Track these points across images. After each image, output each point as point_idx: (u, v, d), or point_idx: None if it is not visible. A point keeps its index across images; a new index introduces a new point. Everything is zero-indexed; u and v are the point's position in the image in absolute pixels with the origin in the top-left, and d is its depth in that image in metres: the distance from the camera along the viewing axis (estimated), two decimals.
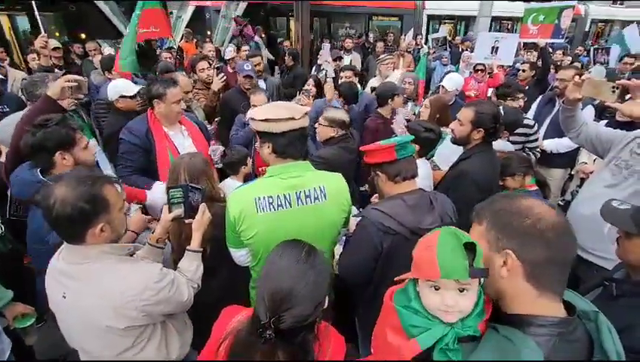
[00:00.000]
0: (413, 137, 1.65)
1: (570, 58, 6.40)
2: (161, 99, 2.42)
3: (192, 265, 1.50)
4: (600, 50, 6.12)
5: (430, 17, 13.49)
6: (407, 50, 6.86)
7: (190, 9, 10.72)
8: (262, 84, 3.72)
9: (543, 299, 0.87)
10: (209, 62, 3.51)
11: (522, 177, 2.29)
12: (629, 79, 2.09)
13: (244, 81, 3.45)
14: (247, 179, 2.59)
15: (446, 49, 7.54)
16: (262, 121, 1.42)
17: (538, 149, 3.27)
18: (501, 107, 2.23)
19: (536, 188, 2.30)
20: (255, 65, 3.54)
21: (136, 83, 3.26)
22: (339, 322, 1.66)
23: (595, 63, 6.07)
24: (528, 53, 5.99)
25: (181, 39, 8.44)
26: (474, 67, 5.24)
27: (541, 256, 0.85)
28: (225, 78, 3.36)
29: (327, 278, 1.01)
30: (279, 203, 1.46)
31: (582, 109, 3.20)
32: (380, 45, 7.18)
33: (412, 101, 3.63)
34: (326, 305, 1.02)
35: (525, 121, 3.15)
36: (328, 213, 1.56)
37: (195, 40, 7.47)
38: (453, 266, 0.87)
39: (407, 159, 1.56)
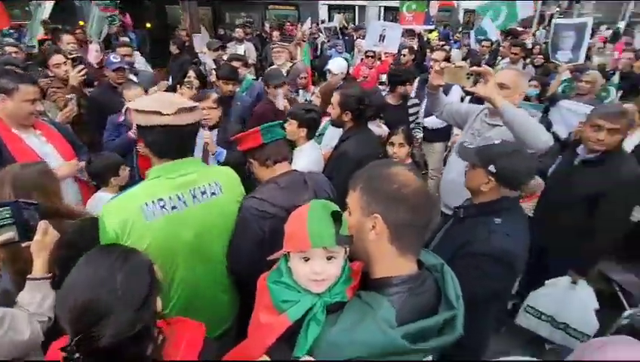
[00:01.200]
0: (281, 122, 1.64)
1: (442, 43, 7.26)
2: (9, 94, 2.05)
3: (35, 297, 1.26)
4: (465, 35, 7.08)
5: (330, 7, 13.89)
6: (304, 39, 6.92)
7: None
8: (133, 78, 3.34)
9: (401, 259, 0.93)
10: (65, 56, 2.99)
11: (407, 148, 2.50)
12: (479, 63, 2.40)
13: (114, 76, 3.05)
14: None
15: (339, 38, 7.84)
16: (136, 111, 1.26)
17: (421, 126, 3.70)
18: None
19: (410, 161, 2.53)
20: (124, 57, 3.15)
21: None
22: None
23: (462, 46, 7.02)
24: (410, 39, 6.55)
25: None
26: (365, 54, 5.57)
27: (404, 219, 0.90)
28: (84, 70, 2.90)
29: (143, 278, 0.89)
30: (173, 204, 1.31)
31: (451, 89, 3.70)
32: (275, 34, 7.12)
33: (302, 89, 3.67)
34: (159, 307, 0.93)
35: (414, 101, 3.59)
36: (227, 205, 1.49)
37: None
38: (321, 235, 0.91)
39: (276, 142, 1.56)
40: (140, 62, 4.91)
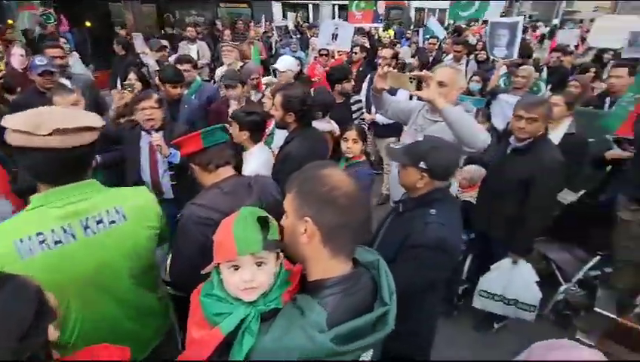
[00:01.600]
0: (223, 125, 1.60)
1: (395, 41, 7.49)
2: None
3: None
4: (415, 32, 7.34)
5: (284, 5, 13.74)
6: (257, 38, 6.82)
7: None
8: (66, 83, 3.09)
9: (334, 261, 0.92)
10: None
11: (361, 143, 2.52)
12: (427, 63, 2.45)
13: (41, 81, 2.80)
14: None
15: (291, 36, 7.80)
16: (9, 129, 1.08)
17: (366, 123, 3.85)
18: (312, 90, 2.39)
19: (364, 158, 2.55)
20: (56, 59, 2.90)
21: None
22: None
23: (412, 44, 7.27)
24: (363, 37, 6.67)
25: None
26: (318, 52, 5.59)
27: (335, 221, 0.89)
28: (1, 72, 2.63)
29: (26, 305, 0.81)
30: (57, 239, 1.13)
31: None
32: (227, 33, 6.93)
33: (254, 90, 3.61)
34: (53, 336, 0.85)
35: (357, 98, 3.68)
36: (131, 234, 1.31)
37: None
38: (247, 241, 0.91)
39: (218, 146, 1.52)
40: (75, 64, 4.55)
